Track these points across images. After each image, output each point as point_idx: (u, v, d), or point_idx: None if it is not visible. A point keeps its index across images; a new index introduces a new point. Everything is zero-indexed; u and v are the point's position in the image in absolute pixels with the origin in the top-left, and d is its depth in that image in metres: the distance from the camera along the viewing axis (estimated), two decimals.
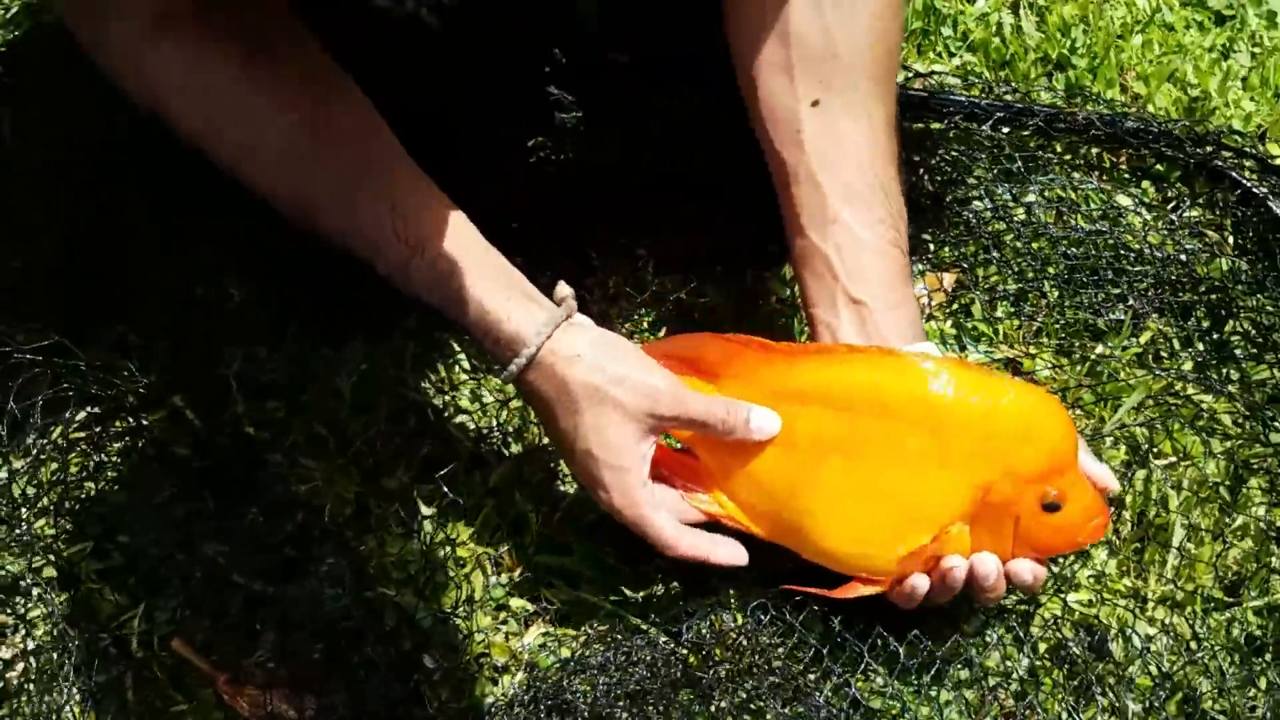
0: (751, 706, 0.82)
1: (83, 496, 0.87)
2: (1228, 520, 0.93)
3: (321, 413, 0.92)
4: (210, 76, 0.79)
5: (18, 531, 0.82)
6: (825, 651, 0.83)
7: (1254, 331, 1.00)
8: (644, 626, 0.86)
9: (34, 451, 0.85)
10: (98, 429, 0.90)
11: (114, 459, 0.89)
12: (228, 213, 0.94)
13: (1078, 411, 0.98)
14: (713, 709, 0.82)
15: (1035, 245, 1.03)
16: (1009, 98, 1.07)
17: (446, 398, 0.96)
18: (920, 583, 0.79)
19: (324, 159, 0.81)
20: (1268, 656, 0.88)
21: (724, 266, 1.01)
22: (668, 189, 1.00)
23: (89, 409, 0.91)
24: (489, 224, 0.83)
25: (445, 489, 0.90)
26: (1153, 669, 0.87)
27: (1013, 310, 1.01)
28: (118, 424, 0.90)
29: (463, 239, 0.80)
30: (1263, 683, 0.87)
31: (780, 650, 0.83)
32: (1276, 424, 0.96)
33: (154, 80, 0.79)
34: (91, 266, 0.93)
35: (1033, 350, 1.00)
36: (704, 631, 0.84)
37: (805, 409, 0.79)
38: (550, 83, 1.02)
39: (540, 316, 0.79)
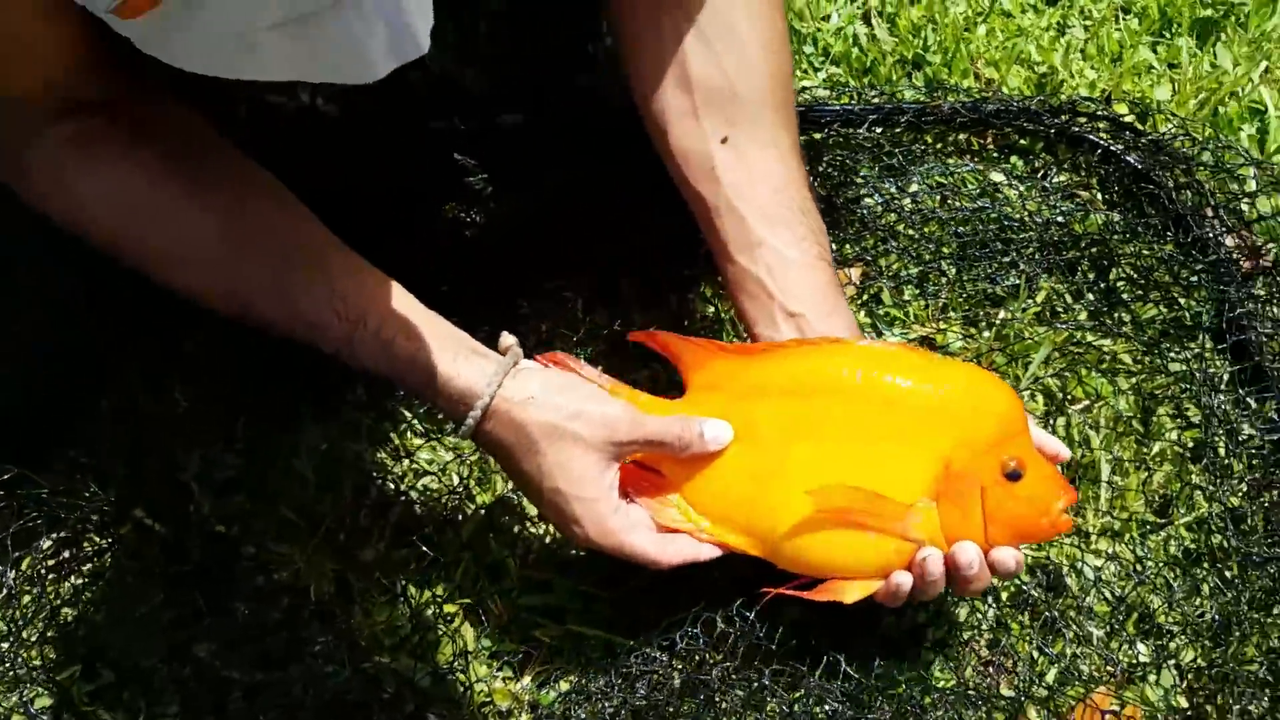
0: (753, 701, 0.86)
1: (63, 621, 0.87)
2: (1146, 449, 1.01)
3: (287, 498, 0.94)
4: (132, 187, 0.81)
5: (5, 665, 0.82)
6: (811, 638, 0.88)
7: (1135, 275, 1.09)
8: (636, 645, 0.89)
9: (8, 586, 0.85)
10: (69, 553, 0.90)
11: (90, 579, 0.89)
12: (158, 321, 0.96)
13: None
14: (715, 711, 0.86)
15: (927, 229, 1.10)
16: (877, 100, 1.15)
17: (406, 463, 0.99)
18: (904, 579, 0.80)
19: (255, 253, 0.83)
20: (1205, 565, 0.96)
21: (647, 294, 1.06)
22: (580, 229, 1.05)
23: (56, 534, 0.91)
24: (421, 290, 0.86)
25: (424, 547, 0.92)
26: (1107, 594, 0.94)
27: (918, 292, 1.09)
28: (87, 545, 0.91)
29: (402, 307, 0.83)
30: (1205, 589, 0.95)
31: (772, 643, 0.87)
32: (1171, 354, 1.04)
33: (78, 199, 0.81)
34: (34, 394, 0.94)
35: (943, 325, 1.08)
36: (698, 640, 0.88)
37: (765, 402, 0.83)
38: (453, 150, 1.07)
39: (489, 368, 0.82)
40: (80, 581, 0.90)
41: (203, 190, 0.83)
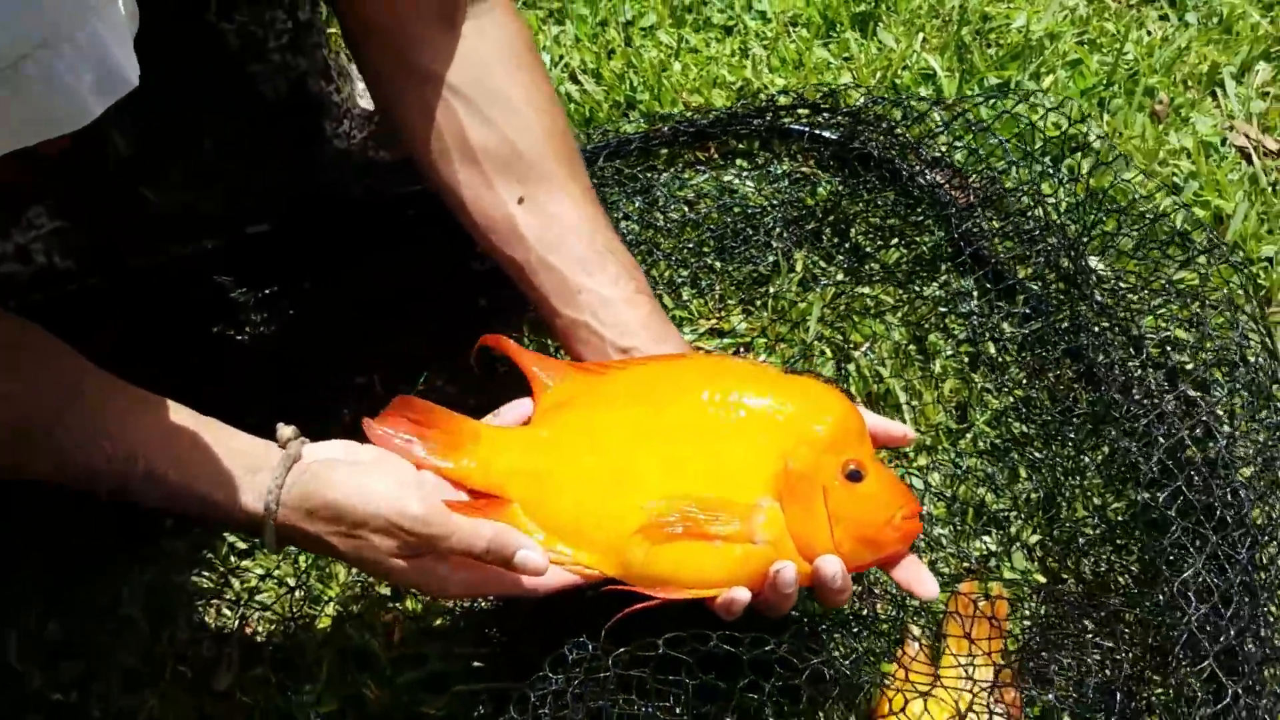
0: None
1: None
2: (929, 369, 1.09)
3: (124, 648, 0.88)
4: None
5: None
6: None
7: (870, 229, 1.19)
8: (532, 685, 0.86)
9: None
10: None
11: None
12: None
13: (781, 345, 1.11)
14: None
15: (685, 235, 1.17)
16: (603, 139, 1.23)
17: (236, 582, 0.94)
18: (740, 595, 0.78)
19: (15, 404, 0.77)
20: (1015, 452, 1.04)
21: (441, 357, 1.07)
22: (365, 309, 1.05)
23: None
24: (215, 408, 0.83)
25: (280, 657, 0.88)
26: (947, 496, 1.00)
27: (695, 291, 1.14)
28: None
29: (173, 437, 0.78)
30: (1023, 472, 1.03)
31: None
32: (923, 284, 1.14)
33: None
34: None
35: (724, 313, 1.14)
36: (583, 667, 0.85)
37: (613, 412, 0.83)
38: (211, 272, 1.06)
39: (265, 482, 0.77)
40: None
41: None
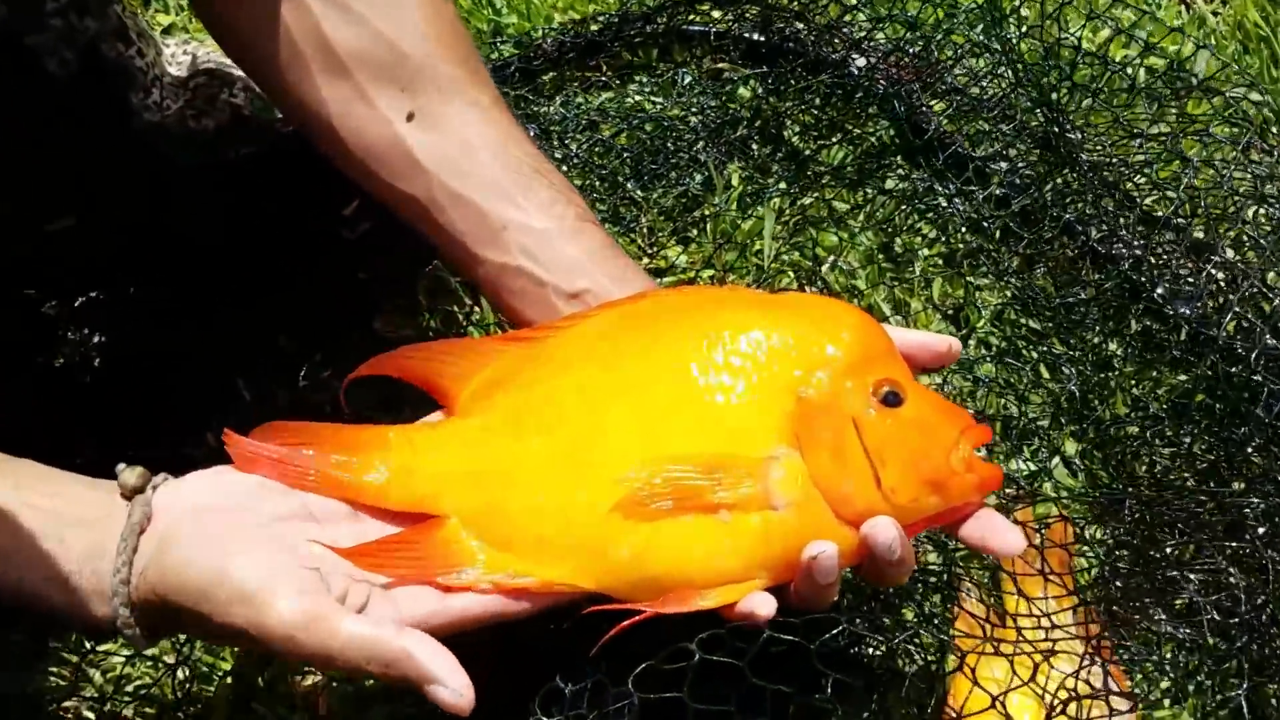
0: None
1: None
2: (909, 271, 0.93)
3: None
4: None
5: None
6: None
7: (805, 129, 1.02)
8: None
9: None
10: None
11: None
12: None
13: (732, 275, 0.93)
14: None
15: (595, 163, 0.98)
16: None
17: (98, 675, 0.71)
18: (762, 606, 0.57)
19: None
20: (1030, 351, 0.88)
21: (319, 350, 0.85)
22: (212, 304, 0.83)
23: None
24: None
25: None
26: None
27: (618, 229, 0.95)
28: None
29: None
30: (1044, 371, 0.87)
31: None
32: (871, 187, 0.97)
33: None
34: None
35: (657, 248, 0.95)
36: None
37: (566, 379, 0.62)
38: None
39: (106, 576, 0.57)
40: None
41: None
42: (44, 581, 0.57)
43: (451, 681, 0.53)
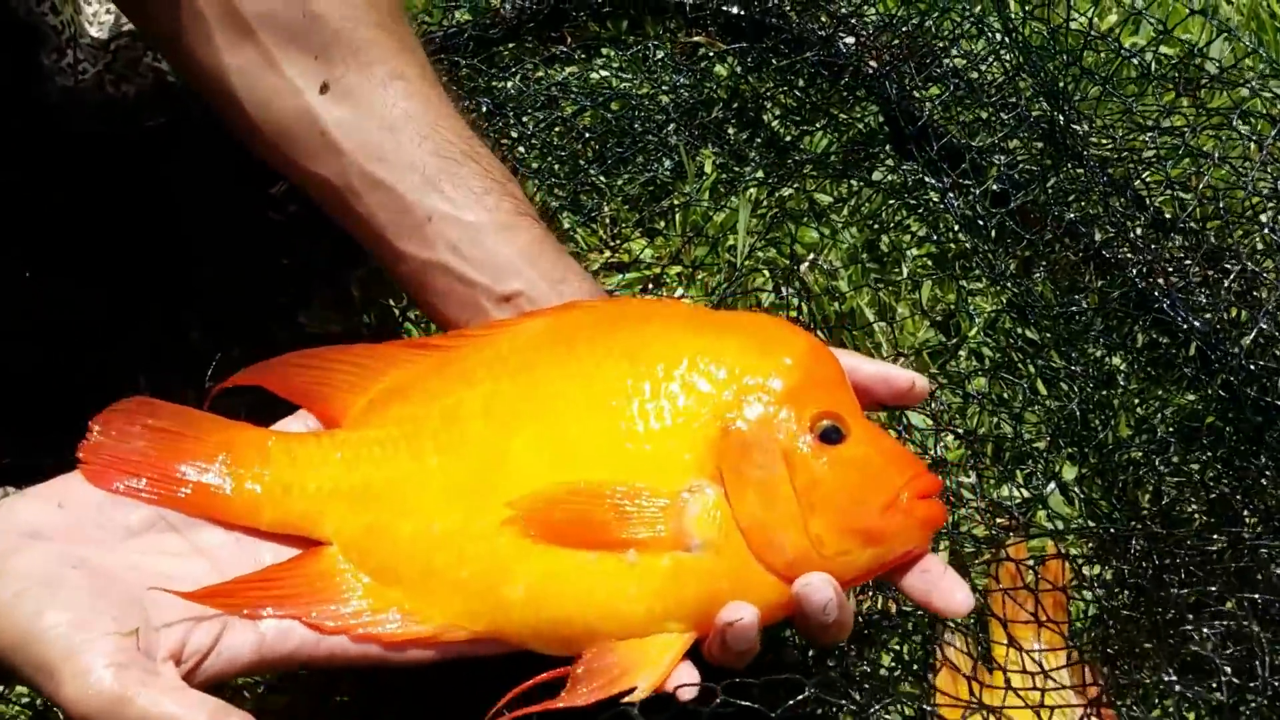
0: None
1: None
2: (896, 273, 0.84)
3: None
4: None
5: None
6: None
7: (786, 113, 0.93)
8: None
9: None
10: None
11: None
12: None
13: (701, 273, 0.85)
14: None
15: (555, 146, 0.89)
16: (423, 32, 0.93)
17: None
18: (685, 689, 0.50)
19: None
20: (1027, 365, 0.80)
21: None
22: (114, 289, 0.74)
23: None
24: None
25: None
26: (959, 432, 0.75)
27: (578, 218, 0.86)
28: None
29: None
30: (1041, 387, 0.79)
31: None
32: (857, 179, 0.89)
33: None
34: None
35: (619, 241, 0.86)
36: None
37: (471, 392, 0.55)
38: None
39: None
40: None
41: None
42: None
43: None
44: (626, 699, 0.49)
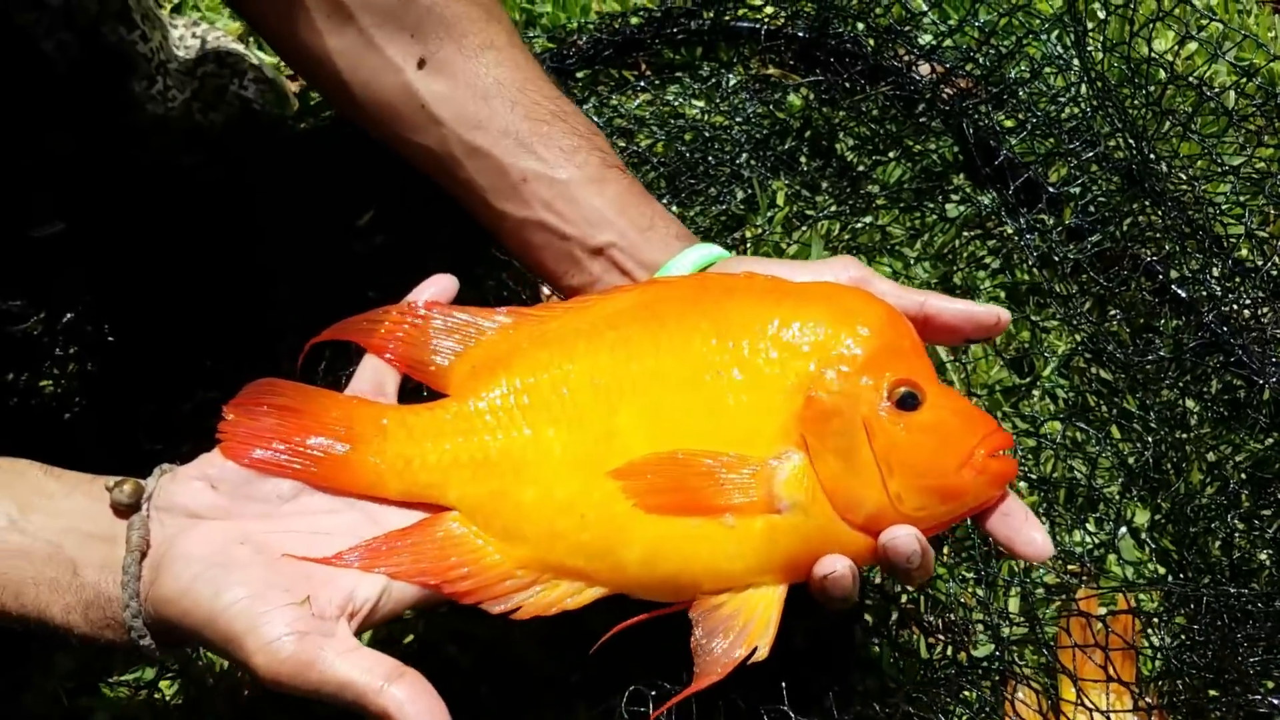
0: None
1: None
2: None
3: None
4: None
5: None
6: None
7: (860, 142, 0.93)
8: None
9: None
10: None
11: None
12: None
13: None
14: None
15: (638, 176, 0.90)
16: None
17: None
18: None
19: None
20: (1101, 406, 0.80)
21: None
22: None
23: None
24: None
25: None
26: (1031, 477, 0.75)
27: None
28: None
29: None
30: (1115, 431, 0.78)
31: None
32: (930, 209, 0.89)
33: None
34: None
35: None
36: None
37: (576, 365, 0.59)
38: None
39: (116, 607, 0.55)
40: None
41: None
42: (63, 612, 0.54)
43: None
44: (753, 659, 0.54)
